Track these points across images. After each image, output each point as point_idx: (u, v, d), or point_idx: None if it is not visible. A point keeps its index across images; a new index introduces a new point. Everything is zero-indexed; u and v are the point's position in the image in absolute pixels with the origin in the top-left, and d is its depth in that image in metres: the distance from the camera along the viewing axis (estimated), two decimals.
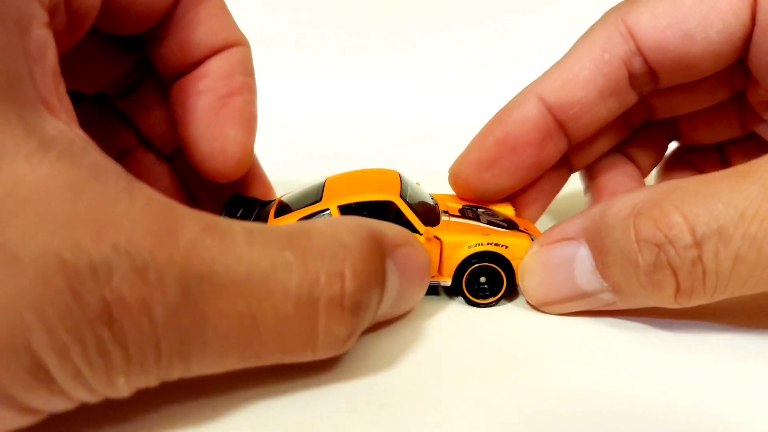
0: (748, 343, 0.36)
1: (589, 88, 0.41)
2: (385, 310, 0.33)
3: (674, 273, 0.32)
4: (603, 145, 0.46)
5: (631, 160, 0.48)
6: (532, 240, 0.41)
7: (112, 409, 0.29)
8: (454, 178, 0.45)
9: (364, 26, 0.90)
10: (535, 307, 0.40)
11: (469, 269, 0.40)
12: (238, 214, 0.42)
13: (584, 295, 0.36)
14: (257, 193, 0.46)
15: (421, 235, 0.40)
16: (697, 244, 0.31)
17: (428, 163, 0.62)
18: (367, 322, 0.31)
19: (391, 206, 0.40)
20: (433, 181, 0.47)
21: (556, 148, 0.43)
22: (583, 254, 0.35)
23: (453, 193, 0.47)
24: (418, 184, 0.44)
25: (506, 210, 0.46)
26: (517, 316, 0.40)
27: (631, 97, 0.42)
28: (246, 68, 0.40)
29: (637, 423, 0.30)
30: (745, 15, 0.38)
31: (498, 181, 0.43)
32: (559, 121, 0.42)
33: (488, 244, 0.40)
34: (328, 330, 0.28)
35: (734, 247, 0.30)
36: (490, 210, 0.45)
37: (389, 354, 0.35)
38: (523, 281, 0.39)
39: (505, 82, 0.88)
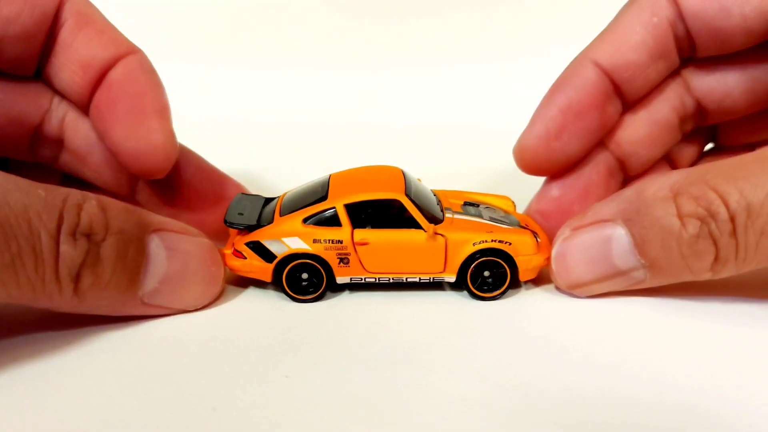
0: None
1: (641, 50, 0.43)
2: (152, 283, 0.37)
3: (715, 243, 0.35)
4: (658, 150, 0.47)
5: (670, 162, 0.49)
6: (535, 236, 0.41)
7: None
8: (522, 154, 0.45)
9: (354, 22, 0.90)
10: (562, 291, 0.41)
11: (474, 264, 0.40)
12: (243, 213, 0.42)
13: (618, 274, 0.39)
14: (209, 186, 0.47)
15: (425, 232, 0.40)
16: (732, 218, 0.34)
17: (426, 159, 0.62)
18: (108, 269, 0.34)
19: (396, 204, 0.40)
20: (432, 177, 0.47)
21: (615, 111, 0.45)
22: (620, 234, 0.38)
23: (452, 189, 0.47)
24: (419, 180, 0.44)
25: (506, 205, 0.46)
26: (522, 308, 0.40)
27: (676, 61, 0.44)
28: (145, 68, 0.43)
29: (637, 420, 0.30)
30: None
31: (567, 148, 0.44)
32: (615, 84, 0.44)
33: (492, 241, 0.40)
34: (65, 255, 0.33)
35: (761, 222, 0.34)
36: (492, 206, 0.46)
37: (392, 348, 0.36)
38: (556, 266, 0.40)
39: (502, 76, 0.88)
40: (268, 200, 0.45)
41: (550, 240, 0.42)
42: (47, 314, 0.39)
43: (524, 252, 0.40)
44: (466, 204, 0.44)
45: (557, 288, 0.41)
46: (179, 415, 0.31)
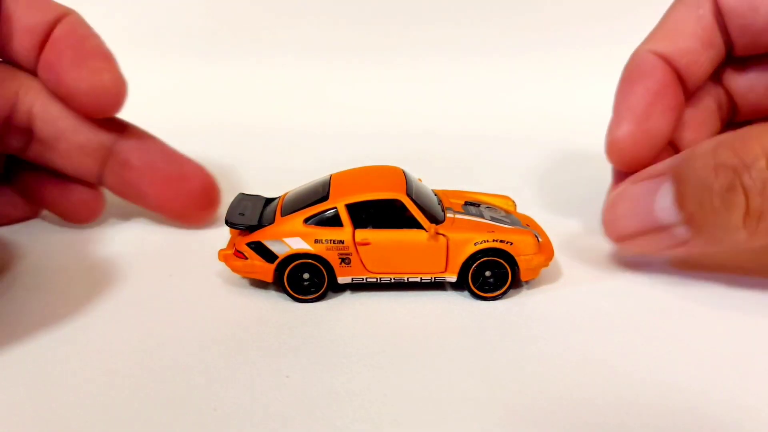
0: None
1: (694, 39, 0.45)
2: None
3: (746, 194, 0.35)
4: (704, 134, 0.48)
5: None
6: (537, 237, 0.41)
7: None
8: (617, 145, 0.45)
9: (355, 19, 0.90)
10: (613, 244, 0.42)
11: (475, 264, 0.40)
12: (244, 213, 0.42)
13: (660, 229, 0.39)
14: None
15: (427, 232, 0.40)
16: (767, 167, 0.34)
17: (426, 159, 0.62)
18: None
19: (397, 204, 0.40)
20: (432, 177, 0.48)
21: (681, 94, 0.46)
22: (666, 187, 0.38)
23: (453, 189, 0.47)
24: (420, 180, 0.44)
25: (507, 204, 0.46)
26: (523, 308, 0.40)
27: (723, 52, 0.46)
28: (82, 24, 0.46)
29: (637, 421, 0.30)
30: None
31: (660, 126, 0.44)
32: (676, 70, 0.45)
33: (494, 241, 0.40)
34: None
35: None
36: (493, 206, 0.46)
37: (393, 348, 0.36)
38: (606, 216, 0.41)
39: (502, 77, 0.88)
40: (269, 200, 0.45)
41: (551, 240, 0.42)
42: (47, 314, 0.39)
43: (525, 252, 0.40)
44: (467, 204, 0.44)
45: (609, 240, 0.42)
46: (179, 415, 0.31)
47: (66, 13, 0.46)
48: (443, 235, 0.40)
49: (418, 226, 0.40)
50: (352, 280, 0.41)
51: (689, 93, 0.47)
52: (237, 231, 0.42)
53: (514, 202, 0.47)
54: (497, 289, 0.41)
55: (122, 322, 0.38)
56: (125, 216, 0.52)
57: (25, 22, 0.44)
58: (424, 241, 0.40)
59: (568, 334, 0.37)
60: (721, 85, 0.48)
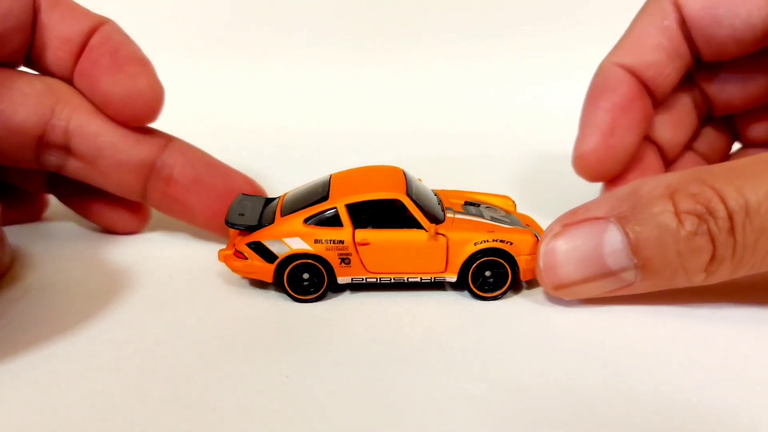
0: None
1: (659, 51, 0.46)
2: None
3: (713, 240, 0.35)
4: (683, 132, 0.50)
5: (703, 158, 0.52)
6: (536, 236, 0.41)
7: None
8: (583, 160, 0.46)
9: (352, 21, 0.90)
10: (548, 294, 0.40)
11: (475, 264, 0.40)
12: (244, 213, 0.42)
13: (608, 274, 0.38)
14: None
15: (427, 232, 0.40)
16: (730, 216, 0.34)
17: (425, 159, 0.62)
18: None
19: (397, 204, 0.40)
20: (431, 177, 0.48)
21: (649, 105, 0.47)
22: (613, 231, 0.37)
23: (453, 189, 0.47)
24: (419, 179, 0.44)
25: (507, 204, 0.46)
26: (523, 308, 0.40)
27: (691, 60, 0.47)
28: (119, 32, 0.46)
29: (637, 422, 0.30)
30: (766, 11, 0.42)
31: (623, 143, 0.46)
32: (642, 82, 0.47)
33: (494, 240, 0.40)
34: None
35: (759, 221, 0.34)
36: (493, 206, 0.46)
37: (393, 348, 0.36)
38: (543, 263, 0.39)
39: (499, 78, 0.88)
40: (269, 200, 0.45)
41: None
42: (47, 314, 0.39)
43: (525, 251, 0.40)
44: (466, 204, 0.44)
45: (545, 291, 0.40)
46: (179, 415, 0.31)
47: (102, 22, 0.45)
48: (443, 235, 0.40)
49: (418, 226, 0.40)
50: (352, 280, 0.41)
51: (658, 101, 0.48)
52: (237, 231, 0.42)
53: (514, 202, 0.47)
54: (497, 289, 0.41)
55: (122, 322, 0.38)
56: None
57: (61, 32, 0.44)
58: (424, 241, 0.40)
59: (568, 333, 0.37)
60: (696, 85, 0.49)
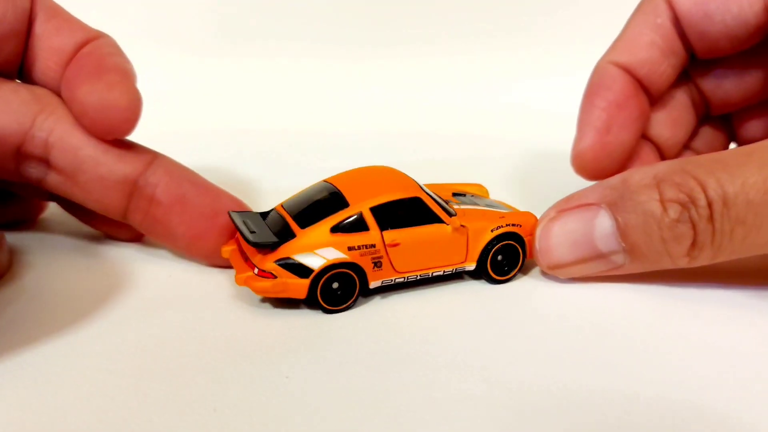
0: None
1: (653, 48, 0.47)
2: None
3: (694, 227, 0.37)
4: (682, 131, 0.51)
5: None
6: (536, 217, 0.43)
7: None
8: (581, 158, 0.47)
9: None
10: (545, 273, 0.43)
11: (493, 250, 0.42)
12: (255, 231, 0.40)
13: (599, 257, 0.41)
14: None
15: (448, 225, 0.41)
16: (709, 205, 0.36)
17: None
18: None
19: (417, 202, 0.41)
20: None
21: (647, 102, 0.48)
22: (603, 217, 0.40)
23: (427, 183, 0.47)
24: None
25: (482, 191, 0.49)
26: (523, 308, 0.40)
27: (686, 57, 0.48)
28: (112, 45, 0.44)
29: (638, 421, 0.30)
30: (758, 6, 0.42)
31: (619, 140, 0.47)
32: (637, 79, 0.48)
33: (507, 225, 0.42)
34: None
35: (735, 211, 0.36)
36: (474, 195, 0.48)
37: (393, 348, 0.36)
38: (539, 245, 0.42)
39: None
40: (264, 215, 0.43)
41: None
42: (47, 315, 0.39)
43: (531, 231, 0.43)
44: (455, 195, 0.45)
45: (541, 271, 0.43)
46: (179, 415, 0.31)
47: (97, 36, 0.44)
48: (464, 226, 0.41)
49: (436, 220, 0.41)
50: (382, 283, 0.40)
51: (654, 99, 0.49)
52: (244, 253, 0.40)
53: (486, 189, 0.49)
54: (510, 271, 0.43)
55: (121, 322, 0.38)
56: None
57: (53, 42, 0.43)
58: (447, 235, 0.41)
59: (569, 333, 0.37)
60: (693, 83, 0.50)
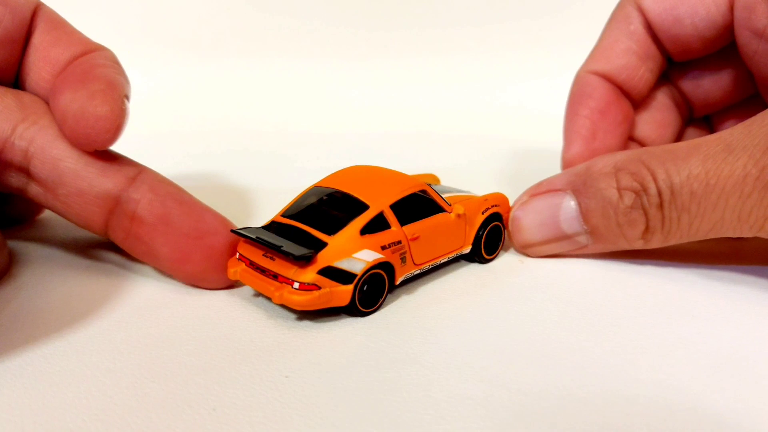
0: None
1: (629, 55, 0.49)
2: None
3: (645, 214, 0.40)
4: (669, 131, 0.53)
5: None
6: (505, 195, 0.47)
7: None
8: (571, 165, 0.49)
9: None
10: (518, 251, 0.47)
11: (485, 231, 0.45)
12: (282, 245, 0.38)
13: (564, 237, 0.44)
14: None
15: (450, 213, 0.43)
16: (659, 193, 0.39)
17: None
18: None
19: (425, 194, 0.42)
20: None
21: (628, 106, 0.51)
22: (568, 202, 0.44)
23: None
24: None
25: (436, 180, 0.52)
26: (522, 308, 0.40)
27: (664, 61, 0.50)
28: (108, 58, 0.43)
29: (637, 422, 0.30)
30: (724, 6, 0.44)
31: (606, 143, 0.49)
32: (617, 85, 0.50)
33: (492, 206, 0.46)
34: None
35: (681, 200, 0.39)
36: (436, 183, 0.51)
37: (392, 348, 0.36)
38: (512, 226, 0.46)
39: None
40: (267, 228, 0.41)
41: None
42: (47, 315, 0.39)
43: (507, 209, 0.47)
44: (429, 185, 0.46)
45: (514, 247, 0.47)
46: (179, 415, 0.30)
47: (96, 49, 0.43)
48: (464, 212, 0.43)
49: (440, 210, 0.43)
50: (404, 277, 0.41)
51: (637, 102, 0.51)
52: (265, 269, 0.38)
53: (438, 177, 0.52)
54: (496, 249, 0.46)
55: (121, 322, 0.38)
56: None
57: (50, 53, 0.43)
58: (452, 222, 0.43)
59: (569, 334, 0.37)
60: (674, 85, 0.52)
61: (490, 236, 0.45)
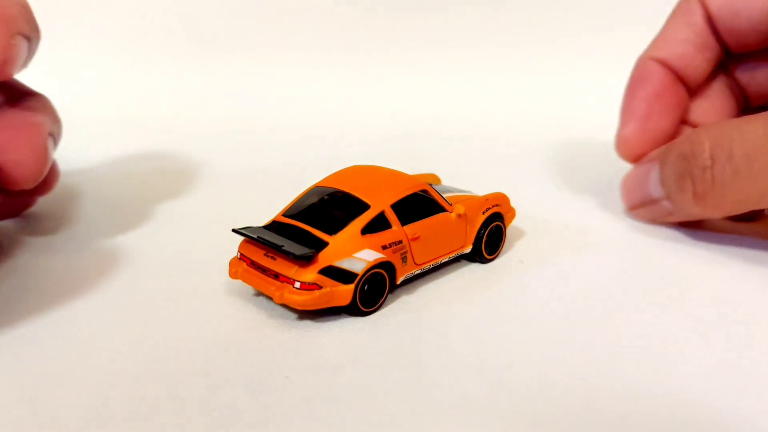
0: None
1: (687, 44, 0.52)
2: None
3: (692, 179, 0.44)
4: (724, 119, 0.54)
5: None
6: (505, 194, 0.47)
7: None
8: (623, 143, 0.54)
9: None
10: (626, 210, 0.53)
11: (486, 230, 0.45)
12: (283, 245, 0.38)
13: (653, 201, 0.49)
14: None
15: (451, 213, 0.43)
16: (712, 158, 0.42)
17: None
18: None
19: (426, 194, 0.42)
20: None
21: (684, 92, 0.54)
22: (655, 169, 0.49)
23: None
24: None
25: (438, 180, 0.52)
26: (521, 307, 0.40)
27: (721, 52, 0.53)
28: (40, 101, 0.45)
29: (638, 422, 0.30)
30: None
31: (659, 126, 0.53)
32: (674, 72, 0.53)
33: (493, 206, 0.46)
34: None
35: (735, 162, 0.41)
36: (437, 183, 0.50)
37: (392, 348, 0.36)
38: (621, 190, 0.53)
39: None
40: (267, 227, 0.41)
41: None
42: (45, 314, 0.39)
43: (508, 209, 0.47)
44: (430, 185, 0.46)
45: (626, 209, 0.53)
46: (179, 415, 0.30)
47: (31, 95, 0.45)
48: (465, 212, 0.43)
49: (441, 210, 0.43)
50: (405, 277, 0.41)
51: (692, 89, 0.54)
52: (266, 269, 0.38)
53: (439, 177, 0.52)
54: (497, 249, 0.46)
55: (122, 322, 0.38)
56: (125, 214, 0.52)
57: None
58: (452, 222, 0.43)
59: (570, 334, 0.37)
60: (731, 76, 0.55)
61: (491, 236, 0.45)
